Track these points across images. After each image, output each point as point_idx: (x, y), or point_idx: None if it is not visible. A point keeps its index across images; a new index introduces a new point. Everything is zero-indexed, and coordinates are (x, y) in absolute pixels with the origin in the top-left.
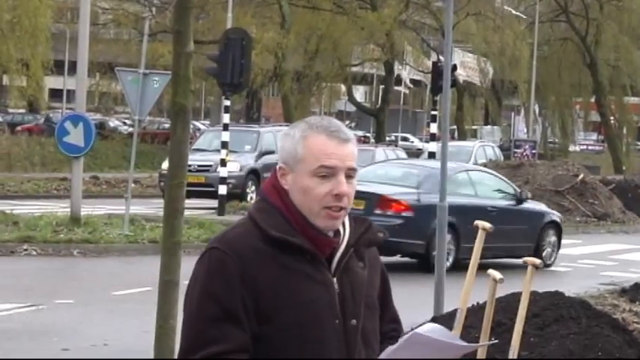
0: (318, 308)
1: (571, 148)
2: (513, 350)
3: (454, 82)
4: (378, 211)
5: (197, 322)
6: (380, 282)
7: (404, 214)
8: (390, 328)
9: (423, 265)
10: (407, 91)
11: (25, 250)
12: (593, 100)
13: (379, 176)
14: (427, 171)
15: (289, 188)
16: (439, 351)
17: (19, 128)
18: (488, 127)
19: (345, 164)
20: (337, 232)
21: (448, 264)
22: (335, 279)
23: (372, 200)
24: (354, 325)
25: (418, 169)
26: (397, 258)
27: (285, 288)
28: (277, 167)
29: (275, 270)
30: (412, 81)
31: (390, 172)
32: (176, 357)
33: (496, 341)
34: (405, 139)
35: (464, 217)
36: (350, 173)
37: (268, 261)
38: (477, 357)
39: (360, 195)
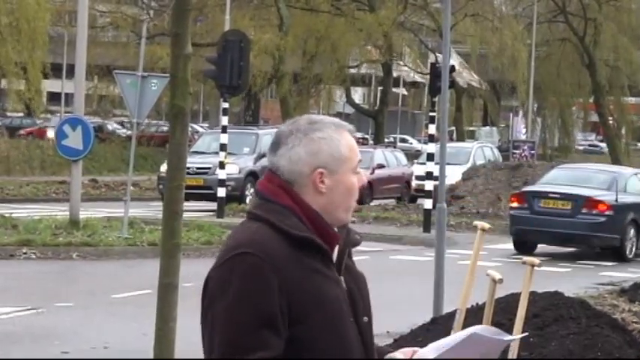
0: (339, 306)
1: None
2: (513, 350)
3: (452, 84)
4: (584, 211)
5: (234, 329)
6: None
7: (606, 212)
8: None
9: (616, 255)
10: (405, 93)
11: (25, 253)
12: (591, 100)
13: (571, 179)
14: (612, 175)
15: (328, 190)
16: (491, 348)
17: (22, 132)
18: (487, 128)
19: None
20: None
21: (631, 255)
22: (342, 277)
23: (579, 202)
24: (366, 323)
25: (604, 173)
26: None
27: (310, 288)
28: (316, 173)
29: (300, 271)
30: (411, 82)
31: (578, 175)
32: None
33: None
34: (403, 140)
35: None
36: None
37: (295, 263)
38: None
39: (567, 197)
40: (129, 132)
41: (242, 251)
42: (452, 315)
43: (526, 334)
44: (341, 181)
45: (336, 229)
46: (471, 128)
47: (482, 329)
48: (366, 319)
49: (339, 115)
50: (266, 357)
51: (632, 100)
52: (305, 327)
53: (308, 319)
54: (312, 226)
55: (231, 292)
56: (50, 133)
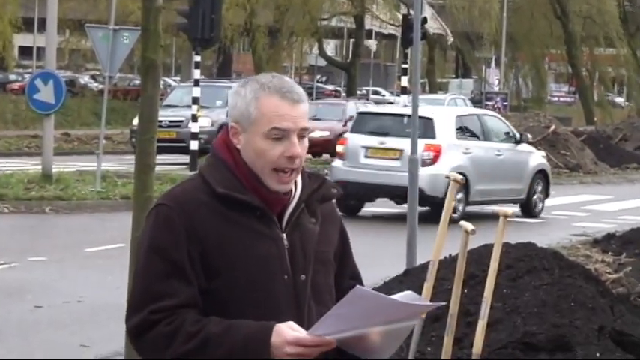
0: (267, 263)
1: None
2: (487, 302)
3: (424, 35)
4: None
5: (144, 277)
6: (339, 238)
7: None
8: (351, 285)
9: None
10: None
11: None
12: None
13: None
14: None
15: (241, 147)
16: (383, 307)
17: (16, 87)
18: (457, 80)
19: (298, 125)
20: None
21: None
22: (284, 235)
23: None
24: (303, 280)
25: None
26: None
27: (233, 243)
28: (229, 125)
29: (223, 225)
30: (383, 35)
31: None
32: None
33: (443, 303)
34: (376, 92)
35: None
36: (302, 133)
37: (216, 216)
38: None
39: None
40: (101, 86)
41: (158, 203)
42: (425, 267)
43: (443, 303)
44: (249, 141)
45: (275, 187)
46: (444, 80)
47: (403, 295)
48: (303, 276)
49: (311, 67)
50: (172, 304)
51: (610, 51)
52: (222, 281)
53: (226, 273)
54: (246, 183)
55: (145, 243)
56: None
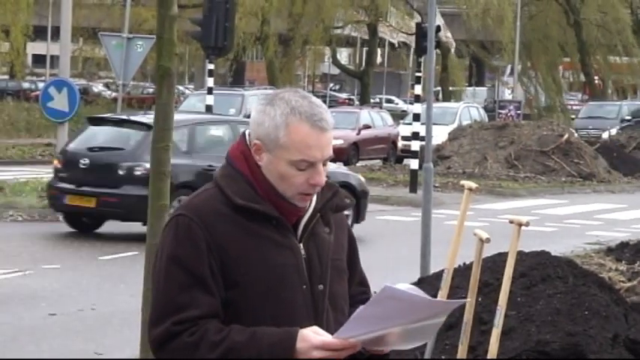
0: (286, 273)
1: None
2: (501, 310)
3: (438, 44)
4: None
5: (166, 289)
6: (347, 245)
7: None
8: (359, 291)
9: None
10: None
11: (11, 215)
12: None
13: None
14: None
15: (263, 165)
16: (412, 306)
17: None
18: (471, 88)
19: (324, 155)
20: None
21: None
22: (301, 244)
23: None
24: (321, 290)
25: None
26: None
27: (251, 253)
28: (252, 141)
29: (241, 236)
30: (396, 43)
31: None
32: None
33: (468, 300)
34: (389, 100)
35: None
36: (325, 162)
37: (234, 227)
38: (465, 318)
39: None
40: (114, 94)
41: (178, 213)
42: (439, 275)
43: (468, 299)
44: (274, 163)
45: (295, 203)
46: (457, 88)
47: (406, 287)
48: (321, 286)
49: (324, 76)
50: (195, 315)
51: (625, 59)
52: (241, 291)
53: (244, 283)
54: (262, 193)
55: (165, 254)
56: None
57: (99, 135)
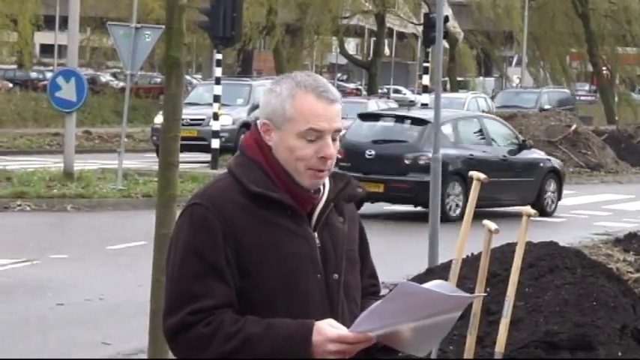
0: (300, 262)
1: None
2: (509, 300)
3: (446, 34)
4: None
5: (181, 278)
6: (358, 237)
7: None
8: (369, 284)
9: None
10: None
11: (19, 205)
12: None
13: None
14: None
15: (273, 145)
16: (428, 300)
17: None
18: (480, 78)
19: (332, 126)
20: (317, 189)
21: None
22: (316, 233)
23: None
24: (335, 279)
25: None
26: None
27: (266, 242)
28: (260, 122)
29: (256, 224)
30: (404, 33)
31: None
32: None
33: (484, 294)
34: (397, 91)
35: None
36: (335, 136)
37: (250, 216)
38: (473, 309)
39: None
40: (122, 84)
41: (193, 202)
42: (447, 266)
43: (484, 294)
44: (282, 139)
45: (311, 190)
46: (465, 78)
47: (436, 285)
48: (336, 275)
49: (332, 66)
50: (210, 304)
51: (633, 50)
52: (255, 280)
53: (259, 272)
54: (278, 181)
55: (180, 243)
56: None
57: (376, 129)
